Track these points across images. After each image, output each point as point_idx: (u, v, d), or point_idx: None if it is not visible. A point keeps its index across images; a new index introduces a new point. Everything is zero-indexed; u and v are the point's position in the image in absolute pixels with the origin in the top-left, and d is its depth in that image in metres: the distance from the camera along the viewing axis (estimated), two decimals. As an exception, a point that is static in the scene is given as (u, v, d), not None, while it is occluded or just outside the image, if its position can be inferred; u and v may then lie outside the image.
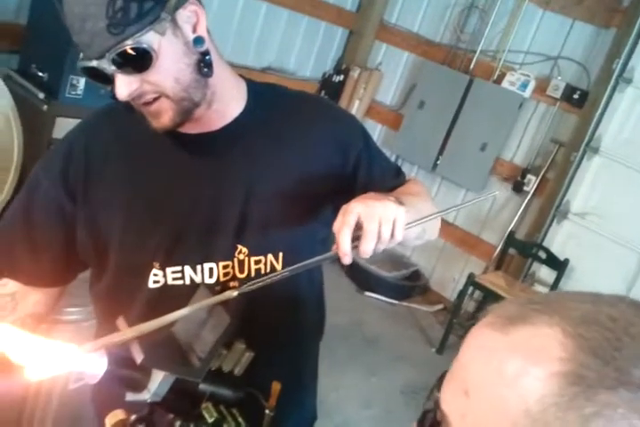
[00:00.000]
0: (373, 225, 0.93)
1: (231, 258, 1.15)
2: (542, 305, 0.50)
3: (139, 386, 0.96)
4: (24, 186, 1.20)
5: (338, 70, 5.14)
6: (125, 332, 0.88)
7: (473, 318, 4.40)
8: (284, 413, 1.10)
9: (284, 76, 4.74)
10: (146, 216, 1.13)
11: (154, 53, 0.96)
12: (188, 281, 1.14)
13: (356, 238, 0.95)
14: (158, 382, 0.96)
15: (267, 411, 1.08)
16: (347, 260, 0.94)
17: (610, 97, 3.89)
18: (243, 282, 1.11)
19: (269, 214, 1.15)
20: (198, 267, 1.14)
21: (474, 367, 0.50)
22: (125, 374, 0.93)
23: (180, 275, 1.14)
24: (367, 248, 0.94)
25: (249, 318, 1.07)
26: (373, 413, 3.38)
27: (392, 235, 0.95)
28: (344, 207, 0.96)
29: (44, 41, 3.05)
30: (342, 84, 5.08)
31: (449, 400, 0.52)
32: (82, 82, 2.99)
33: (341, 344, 3.80)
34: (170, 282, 1.14)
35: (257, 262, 1.16)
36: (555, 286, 3.98)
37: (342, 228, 0.93)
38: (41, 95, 2.98)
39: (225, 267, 1.15)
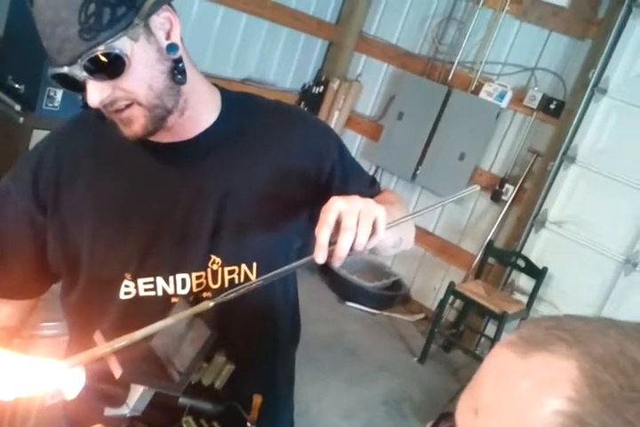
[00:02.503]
0: (352, 220, 0.90)
1: (204, 268, 1.13)
2: (567, 333, 0.48)
3: (118, 401, 0.95)
4: None
5: (317, 82, 5.15)
6: (104, 346, 0.87)
7: (454, 327, 4.42)
8: (260, 424, 1.09)
9: (264, 88, 4.75)
10: (117, 226, 1.11)
11: (126, 59, 0.94)
12: (160, 292, 1.12)
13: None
14: (137, 396, 0.95)
15: (248, 424, 1.08)
16: (320, 258, 0.90)
17: (586, 107, 3.94)
18: (216, 293, 1.09)
19: (243, 224, 1.14)
20: (171, 278, 1.12)
21: (486, 387, 0.49)
22: (104, 388, 0.93)
23: (151, 286, 1.12)
24: (344, 244, 0.90)
25: (223, 330, 1.06)
26: (355, 423, 3.36)
27: (373, 231, 0.92)
28: (325, 206, 0.93)
29: (20, 53, 3.03)
30: (322, 95, 5.10)
31: (461, 413, 0.51)
32: (59, 94, 2.98)
33: (322, 355, 3.79)
34: (142, 293, 1.12)
35: (230, 273, 1.15)
36: (534, 294, 4.01)
37: (321, 225, 0.91)
38: (17, 107, 2.96)
39: (198, 277, 1.13)
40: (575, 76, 4.04)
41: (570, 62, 4.11)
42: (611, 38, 3.82)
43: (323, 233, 0.90)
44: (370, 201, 0.94)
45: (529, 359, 0.47)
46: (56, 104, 2.98)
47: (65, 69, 0.94)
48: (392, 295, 4.79)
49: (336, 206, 0.92)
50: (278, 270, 0.95)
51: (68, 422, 1.27)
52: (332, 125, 4.89)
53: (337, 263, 0.91)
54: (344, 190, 1.18)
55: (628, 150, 3.79)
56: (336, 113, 5.07)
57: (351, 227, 0.90)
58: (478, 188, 1.13)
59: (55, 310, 1.30)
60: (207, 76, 1.14)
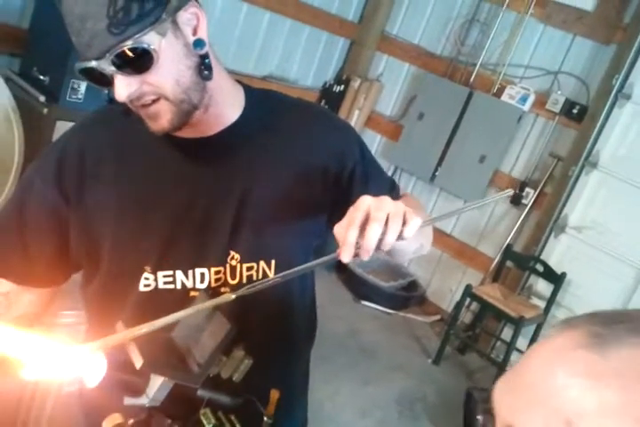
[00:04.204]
0: (382, 214, 0.88)
1: (223, 264, 1.14)
2: (632, 324, 0.46)
3: (137, 391, 0.96)
4: (17, 187, 1.19)
5: (339, 80, 5.15)
6: (126, 332, 0.87)
7: (469, 330, 4.40)
8: (275, 419, 1.09)
9: (285, 85, 4.75)
10: (138, 219, 1.12)
11: (155, 54, 0.95)
12: (179, 286, 1.13)
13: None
14: (157, 386, 0.96)
15: (265, 418, 1.07)
16: (346, 257, 0.87)
17: (609, 113, 3.90)
18: (234, 288, 1.10)
19: (263, 220, 1.14)
20: (190, 272, 1.13)
21: (573, 395, 0.45)
22: (124, 378, 0.93)
23: (171, 279, 1.13)
24: (371, 235, 0.87)
25: (241, 325, 1.06)
26: (368, 422, 3.36)
27: (405, 222, 0.90)
28: (354, 204, 0.91)
29: (45, 45, 3.06)
30: (343, 94, 5.09)
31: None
32: (83, 86, 3.00)
33: (338, 353, 3.79)
34: (161, 286, 1.13)
35: (249, 269, 1.15)
36: (551, 299, 3.97)
37: (350, 224, 0.88)
38: (42, 98, 2.98)
39: (217, 273, 1.14)
40: (599, 81, 4.00)
41: (594, 67, 4.07)
42: (636, 44, 3.77)
43: (351, 231, 0.88)
44: (399, 203, 0.93)
45: (613, 358, 0.45)
46: (80, 96, 3.00)
47: (93, 63, 0.94)
48: (408, 296, 4.78)
49: (365, 204, 0.90)
50: (303, 266, 0.94)
51: (84, 410, 1.28)
52: (352, 124, 4.87)
53: (365, 257, 0.88)
54: (364, 191, 1.17)
55: (651, 157, 3.75)
56: (356, 112, 5.06)
57: (380, 219, 0.88)
58: (512, 192, 1.11)
59: (74, 299, 1.31)
60: (229, 72, 1.15)
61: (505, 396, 0.50)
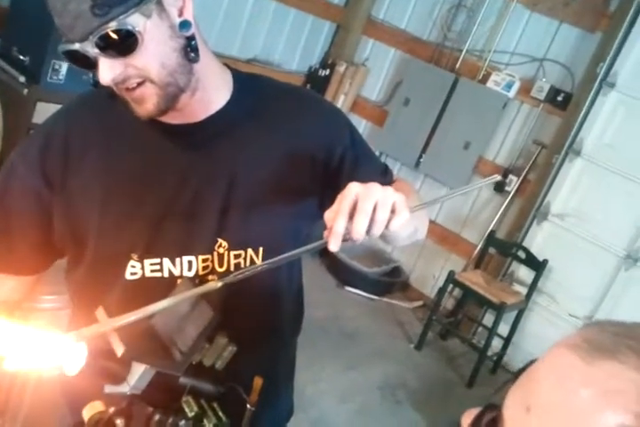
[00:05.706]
0: (369, 203, 0.87)
1: (211, 252, 1.13)
2: (638, 342, 0.46)
3: (118, 378, 0.95)
4: (0, 172, 1.17)
5: (324, 64, 5.11)
6: (108, 322, 0.86)
7: (452, 316, 4.43)
8: (260, 408, 1.09)
9: (270, 69, 4.71)
10: (124, 207, 1.11)
11: (139, 36, 0.93)
12: (166, 274, 1.13)
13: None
14: (138, 374, 0.95)
15: (248, 406, 1.07)
16: (334, 246, 0.86)
17: (593, 100, 3.91)
18: (222, 276, 1.09)
19: (251, 208, 1.14)
20: (177, 260, 1.13)
21: (544, 386, 0.47)
22: (105, 366, 0.92)
23: (158, 267, 1.12)
24: (359, 227, 0.86)
25: (226, 312, 1.05)
26: (350, 407, 3.38)
27: (395, 211, 0.89)
28: (342, 192, 0.90)
29: (26, 24, 3.01)
30: (328, 78, 5.06)
31: (510, 408, 0.50)
32: (64, 67, 2.96)
33: (320, 338, 3.80)
34: (148, 274, 1.12)
35: (237, 257, 1.15)
36: (533, 286, 4.01)
37: (337, 212, 0.87)
38: (22, 79, 2.94)
39: (204, 260, 1.13)
40: (584, 69, 4.00)
41: (579, 54, 4.07)
42: (621, 32, 3.77)
43: (339, 221, 0.87)
44: (389, 189, 0.91)
45: (594, 366, 0.46)
46: (61, 77, 2.96)
47: (76, 46, 0.93)
48: (391, 282, 4.80)
49: (352, 192, 0.89)
50: (291, 253, 0.93)
51: (66, 397, 1.27)
52: (337, 110, 4.85)
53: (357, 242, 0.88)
54: (354, 176, 1.16)
55: (634, 146, 3.76)
56: (342, 97, 5.04)
57: (366, 210, 0.87)
58: (499, 177, 1.11)
59: (55, 284, 1.30)
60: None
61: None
